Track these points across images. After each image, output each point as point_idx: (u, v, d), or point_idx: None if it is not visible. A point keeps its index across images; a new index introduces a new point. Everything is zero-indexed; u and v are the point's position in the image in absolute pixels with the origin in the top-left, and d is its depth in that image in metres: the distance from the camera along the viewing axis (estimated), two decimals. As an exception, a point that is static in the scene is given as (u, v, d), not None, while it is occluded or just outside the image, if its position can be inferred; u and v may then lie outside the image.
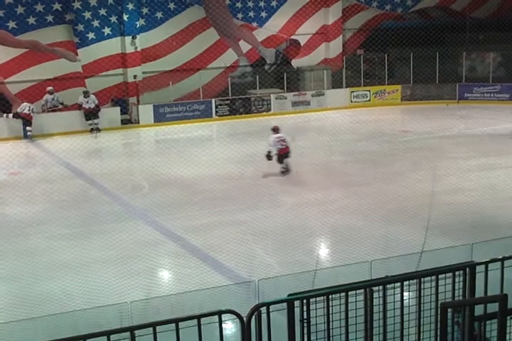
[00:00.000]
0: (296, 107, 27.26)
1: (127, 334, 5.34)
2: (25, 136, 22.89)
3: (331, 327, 6.09)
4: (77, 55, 25.14)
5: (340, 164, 19.18)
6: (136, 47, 25.85)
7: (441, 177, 16.48)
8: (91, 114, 23.90)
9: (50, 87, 24.12)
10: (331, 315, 6.04)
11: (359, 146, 20.92)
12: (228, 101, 26.37)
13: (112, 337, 5.25)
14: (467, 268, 6.48)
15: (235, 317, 5.74)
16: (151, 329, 5.42)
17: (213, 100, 26.26)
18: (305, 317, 6.02)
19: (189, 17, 26.92)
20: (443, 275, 6.41)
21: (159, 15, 26.56)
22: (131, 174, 18.94)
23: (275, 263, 11.66)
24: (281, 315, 5.91)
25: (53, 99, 24.14)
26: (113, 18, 25.64)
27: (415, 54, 28.05)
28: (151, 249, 12.41)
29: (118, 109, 24.98)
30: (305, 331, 6.08)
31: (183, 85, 26.50)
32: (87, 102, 23.89)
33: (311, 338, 6.12)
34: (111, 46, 25.70)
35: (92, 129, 23.95)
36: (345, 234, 12.80)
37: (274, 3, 28.75)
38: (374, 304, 6.19)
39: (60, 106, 24.23)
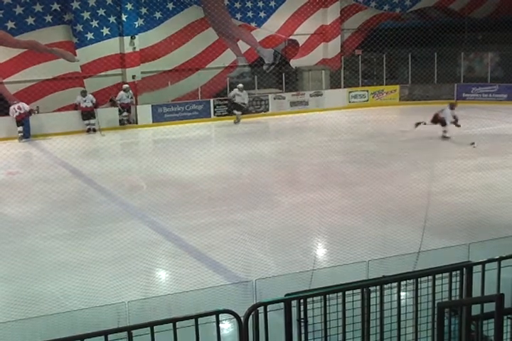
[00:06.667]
0: (294, 107, 27.27)
1: (125, 334, 5.35)
2: (23, 137, 22.92)
3: (328, 327, 6.11)
4: (75, 55, 25.14)
5: (338, 164, 19.18)
6: (134, 48, 25.86)
7: (439, 178, 16.48)
8: (88, 114, 23.96)
9: (126, 85, 24.82)
10: (328, 315, 6.06)
11: (357, 146, 20.91)
12: (227, 101, 26.37)
13: (110, 336, 5.26)
14: (464, 268, 6.51)
15: (232, 317, 5.75)
16: (148, 329, 5.43)
17: (212, 100, 26.26)
18: (302, 316, 6.04)
19: (188, 17, 26.94)
20: (440, 275, 6.43)
21: (158, 15, 26.57)
22: (129, 174, 18.93)
23: (272, 263, 11.66)
24: (279, 314, 5.92)
25: (128, 96, 24.72)
26: (112, 19, 25.66)
27: (413, 54, 28.10)
28: (149, 249, 12.39)
29: (116, 109, 24.97)
30: (302, 331, 6.10)
31: (182, 85, 26.52)
32: (85, 101, 23.95)
33: (308, 338, 6.14)
34: (109, 46, 25.71)
35: (89, 129, 24.01)
36: (342, 234, 12.80)
37: (272, 4, 28.76)
38: (371, 304, 6.20)
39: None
